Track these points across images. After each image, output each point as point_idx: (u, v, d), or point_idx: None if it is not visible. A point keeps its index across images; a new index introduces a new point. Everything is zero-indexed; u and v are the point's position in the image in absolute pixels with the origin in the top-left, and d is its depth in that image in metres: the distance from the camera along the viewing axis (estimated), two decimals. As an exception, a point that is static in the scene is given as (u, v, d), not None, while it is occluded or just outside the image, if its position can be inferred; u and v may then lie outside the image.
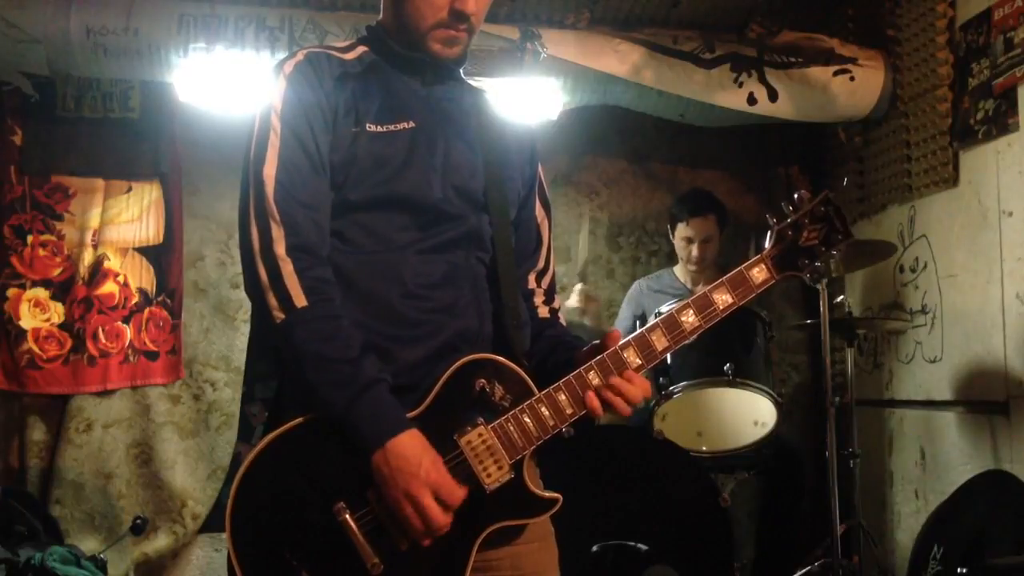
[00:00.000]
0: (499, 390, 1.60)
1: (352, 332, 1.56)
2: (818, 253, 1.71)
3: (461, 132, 1.75)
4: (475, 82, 1.90)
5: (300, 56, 1.69)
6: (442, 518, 1.51)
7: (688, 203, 4.06)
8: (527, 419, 1.59)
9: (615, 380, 1.63)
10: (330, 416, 1.52)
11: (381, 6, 1.80)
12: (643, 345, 1.66)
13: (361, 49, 1.77)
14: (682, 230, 4.01)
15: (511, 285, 1.73)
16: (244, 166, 1.63)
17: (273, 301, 1.55)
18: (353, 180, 1.63)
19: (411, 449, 1.51)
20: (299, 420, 1.55)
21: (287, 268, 1.55)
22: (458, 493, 1.53)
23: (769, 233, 1.72)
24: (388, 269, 1.63)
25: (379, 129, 1.66)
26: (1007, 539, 3.07)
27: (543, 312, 1.88)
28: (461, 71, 1.83)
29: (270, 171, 1.59)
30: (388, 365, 1.58)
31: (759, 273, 1.70)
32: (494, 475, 1.57)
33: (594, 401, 1.62)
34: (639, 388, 1.64)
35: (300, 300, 1.54)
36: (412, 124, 1.69)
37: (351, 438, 1.52)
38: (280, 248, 1.56)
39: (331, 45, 1.78)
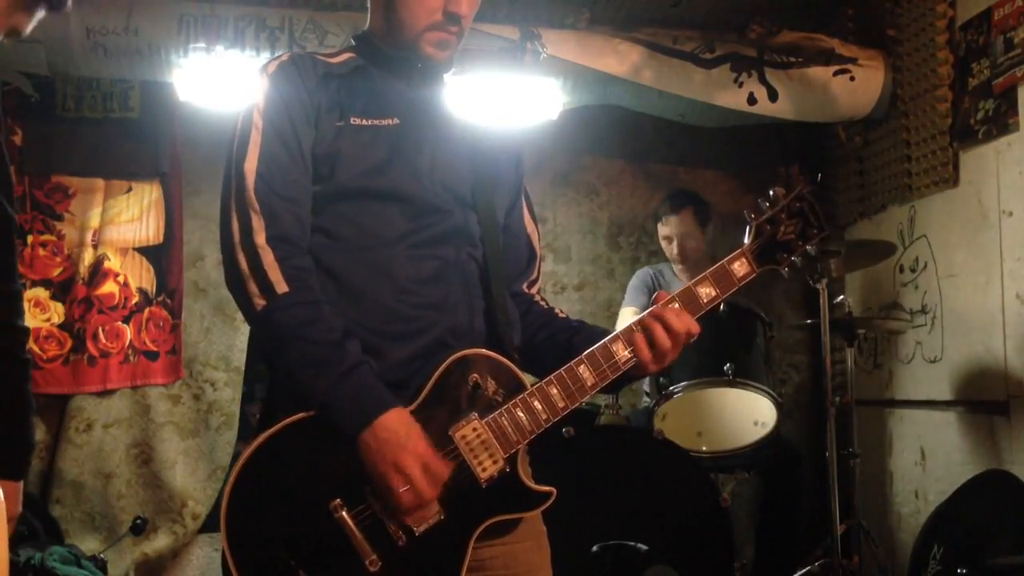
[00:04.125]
0: (492, 385, 1.61)
1: (334, 317, 1.57)
2: (795, 247, 1.78)
3: (447, 134, 1.77)
4: (469, 80, 1.92)
5: (284, 57, 1.72)
6: (431, 490, 1.51)
7: (665, 202, 4.10)
8: (520, 413, 1.60)
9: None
10: (314, 400, 1.53)
11: (369, 12, 1.81)
12: (631, 339, 1.68)
13: (347, 55, 1.79)
14: (661, 229, 4.05)
15: (500, 283, 1.74)
16: (226, 164, 1.65)
17: (254, 288, 1.56)
18: (339, 172, 1.65)
19: (398, 424, 1.51)
20: (294, 418, 1.54)
21: (268, 257, 1.56)
22: (444, 468, 1.53)
23: (748, 228, 1.78)
24: (379, 265, 1.64)
25: (364, 122, 1.68)
26: (1007, 539, 3.07)
27: (547, 307, 1.90)
28: (445, 76, 1.84)
29: (251, 166, 1.61)
30: (379, 362, 1.59)
31: (740, 267, 1.76)
32: (489, 469, 1.58)
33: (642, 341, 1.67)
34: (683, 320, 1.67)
35: (281, 287, 1.55)
36: (396, 121, 1.70)
37: (336, 421, 1.52)
38: (260, 238, 1.57)
39: (318, 51, 1.80)
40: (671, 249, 4.01)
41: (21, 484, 1.85)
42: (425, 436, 1.54)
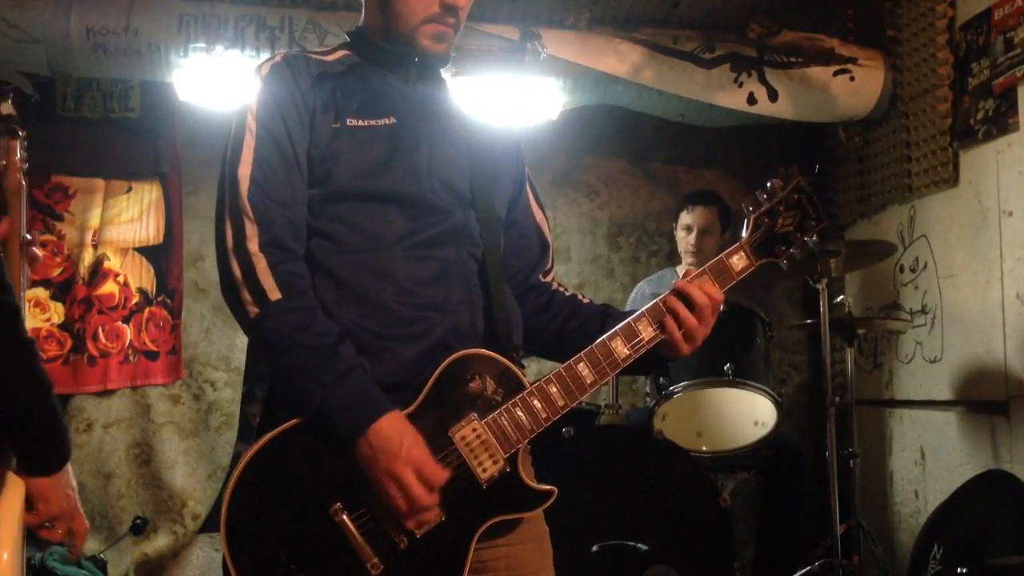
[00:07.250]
0: (491, 385, 1.60)
1: (328, 321, 1.57)
2: (793, 239, 1.76)
3: (445, 131, 1.75)
4: (469, 80, 1.90)
5: (278, 58, 1.71)
6: (425, 497, 1.50)
7: (694, 193, 4.12)
8: (520, 412, 1.59)
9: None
10: (310, 405, 1.52)
11: (363, 7, 1.80)
12: (630, 335, 1.67)
13: (342, 52, 1.78)
14: (683, 218, 4.02)
15: (499, 281, 1.73)
16: (221, 168, 1.64)
17: (247, 296, 1.56)
18: (336, 174, 1.64)
19: (392, 430, 1.51)
20: (295, 421, 1.54)
21: (260, 264, 1.56)
22: (440, 472, 1.52)
23: (746, 221, 1.76)
24: (379, 267, 1.63)
25: (360, 123, 1.67)
26: (1007, 539, 3.07)
27: (570, 294, 1.89)
28: (443, 72, 1.83)
29: (245, 171, 1.60)
30: (382, 364, 1.58)
31: (739, 261, 1.74)
32: (489, 469, 1.57)
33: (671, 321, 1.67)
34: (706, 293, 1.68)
35: (274, 294, 1.55)
36: (393, 120, 1.69)
37: (332, 427, 1.51)
38: (253, 244, 1.57)
39: (312, 49, 1.79)
40: (688, 240, 3.98)
41: (59, 478, 1.66)
42: (420, 440, 1.53)
